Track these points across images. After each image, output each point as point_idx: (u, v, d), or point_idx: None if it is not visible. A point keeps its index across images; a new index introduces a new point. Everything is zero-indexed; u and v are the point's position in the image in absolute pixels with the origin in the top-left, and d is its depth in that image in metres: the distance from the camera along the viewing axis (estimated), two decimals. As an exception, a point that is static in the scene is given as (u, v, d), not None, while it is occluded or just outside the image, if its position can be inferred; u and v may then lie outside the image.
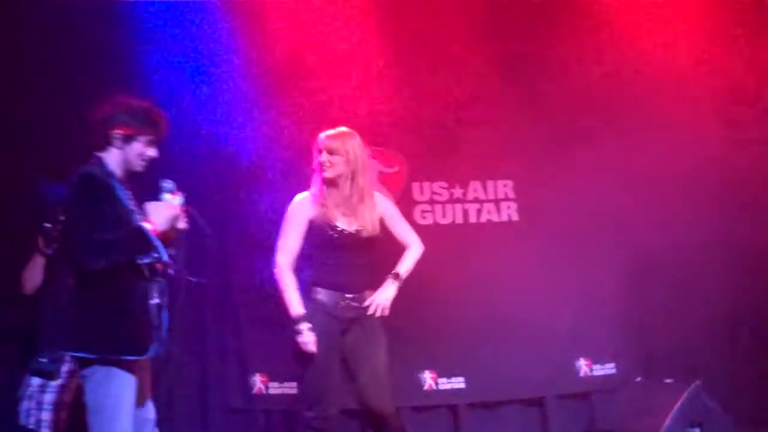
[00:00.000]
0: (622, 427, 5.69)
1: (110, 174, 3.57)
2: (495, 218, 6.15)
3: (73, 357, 3.57)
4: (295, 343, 4.13)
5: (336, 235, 4.18)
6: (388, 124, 6.05)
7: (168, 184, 3.67)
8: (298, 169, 5.98)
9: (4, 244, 5.11)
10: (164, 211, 3.53)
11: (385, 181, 6.07)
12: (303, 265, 4.28)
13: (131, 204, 3.60)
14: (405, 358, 5.64)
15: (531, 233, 6.05)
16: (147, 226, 3.46)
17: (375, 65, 6.06)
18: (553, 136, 6.04)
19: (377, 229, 4.27)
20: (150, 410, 3.69)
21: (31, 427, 4.59)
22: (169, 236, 3.58)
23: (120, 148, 3.60)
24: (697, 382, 5.53)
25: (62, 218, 4.42)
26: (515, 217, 6.18)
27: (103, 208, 3.45)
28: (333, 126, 5.81)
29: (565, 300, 5.96)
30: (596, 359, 6.09)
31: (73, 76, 5.46)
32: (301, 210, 4.25)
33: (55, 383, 4.59)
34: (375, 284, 4.32)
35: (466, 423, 5.93)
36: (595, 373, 6.09)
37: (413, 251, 4.42)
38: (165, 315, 3.62)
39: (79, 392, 4.59)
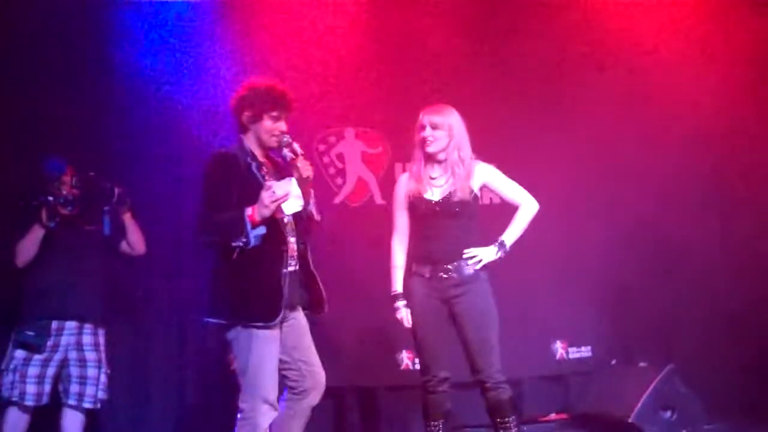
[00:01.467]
0: (596, 409, 5.78)
1: (248, 153, 3.79)
2: (477, 200, 6.17)
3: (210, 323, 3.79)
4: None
5: (424, 207, 4.32)
6: (372, 104, 6.06)
7: (286, 138, 3.80)
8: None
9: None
10: (267, 198, 3.59)
11: (368, 162, 6.10)
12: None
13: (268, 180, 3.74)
14: (386, 340, 5.72)
15: (510, 216, 6.05)
16: (247, 211, 3.59)
17: (360, 47, 6.07)
18: (538, 122, 6.06)
19: (467, 198, 4.33)
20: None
21: (14, 399, 4.59)
22: (305, 189, 3.75)
23: (252, 129, 3.81)
24: (671, 366, 5.62)
25: (65, 192, 4.55)
26: (496, 200, 6.16)
27: (225, 188, 3.68)
28: (313, 103, 5.88)
29: (543, 283, 6.01)
30: (573, 342, 6.17)
31: (63, 69, 5.43)
32: (400, 187, 4.45)
33: (39, 356, 4.60)
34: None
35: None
36: (572, 356, 6.17)
37: (522, 211, 4.49)
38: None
39: (64, 365, 4.67)
